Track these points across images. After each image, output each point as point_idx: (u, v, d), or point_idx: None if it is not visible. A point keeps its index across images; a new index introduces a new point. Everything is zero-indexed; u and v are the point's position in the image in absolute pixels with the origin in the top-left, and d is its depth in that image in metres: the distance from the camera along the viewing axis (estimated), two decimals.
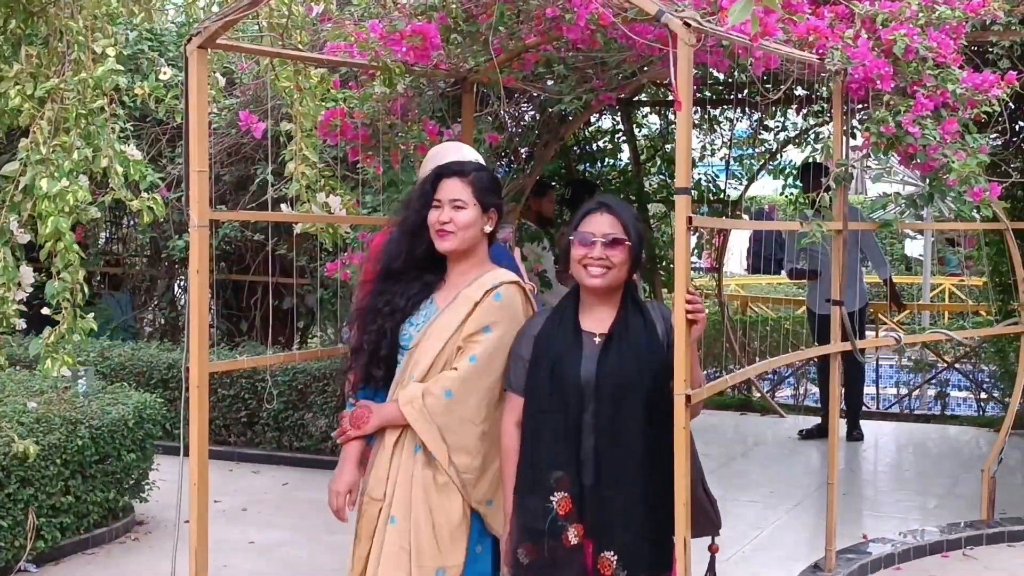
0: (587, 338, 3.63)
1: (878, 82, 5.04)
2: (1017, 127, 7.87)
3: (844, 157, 5.47)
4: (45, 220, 4.80)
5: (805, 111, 10.09)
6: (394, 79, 4.97)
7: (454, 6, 4.56)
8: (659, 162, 11.85)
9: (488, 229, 3.79)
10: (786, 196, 12.72)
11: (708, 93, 10.56)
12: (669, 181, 11.62)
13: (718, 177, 12.35)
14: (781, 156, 12.09)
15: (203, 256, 4.19)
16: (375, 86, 5.18)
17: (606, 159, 11.62)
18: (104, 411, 6.49)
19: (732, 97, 10.74)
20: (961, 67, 5.32)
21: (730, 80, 9.54)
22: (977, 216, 6.51)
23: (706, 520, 3.88)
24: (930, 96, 5.14)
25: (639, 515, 3.53)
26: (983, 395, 11.39)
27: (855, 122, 5.91)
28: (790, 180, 12.00)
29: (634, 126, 11.45)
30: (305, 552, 6.50)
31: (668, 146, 11.75)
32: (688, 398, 3.59)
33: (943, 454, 9.68)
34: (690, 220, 3.67)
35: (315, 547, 6.55)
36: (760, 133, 11.88)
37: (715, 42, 4.30)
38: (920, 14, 5.30)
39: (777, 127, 11.67)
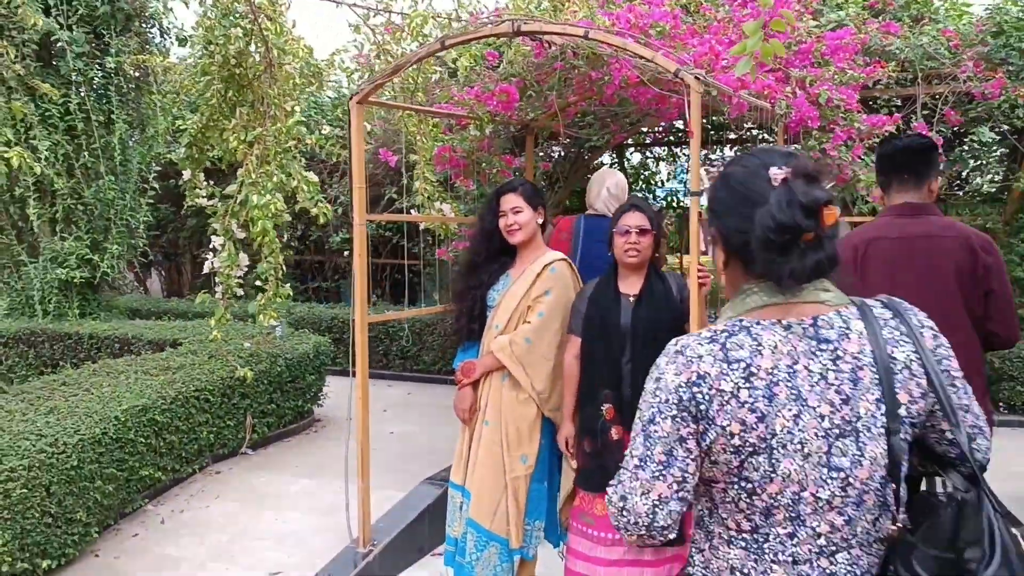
0: (624, 298, 3.41)
1: (809, 122, 4.67)
2: None
3: None
4: (256, 223, 4.55)
5: (736, 148, 9.83)
6: (483, 126, 4.67)
7: (527, 75, 4.21)
8: (640, 183, 11.54)
9: (540, 221, 3.61)
10: None
11: (671, 138, 10.27)
12: (647, 195, 11.37)
13: (679, 192, 12.05)
14: None
15: (362, 245, 3.88)
16: (470, 130, 4.86)
17: None
18: (294, 348, 6.22)
19: (687, 140, 10.47)
20: (859, 112, 4.96)
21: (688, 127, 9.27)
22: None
23: None
24: (844, 131, 4.78)
25: None
26: None
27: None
28: None
29: (624, 160, 11.04)
30: (426, 438, 6.22)
31: (645, 172, 11.50)
32: None
33: None
34: (700, 215, 3.32)
35: (432, 435, 6.29)
36: (705, 163, 11.57)
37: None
38: (836, 76, 4.93)
39: (717, 159, 11.35)
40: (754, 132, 8.96)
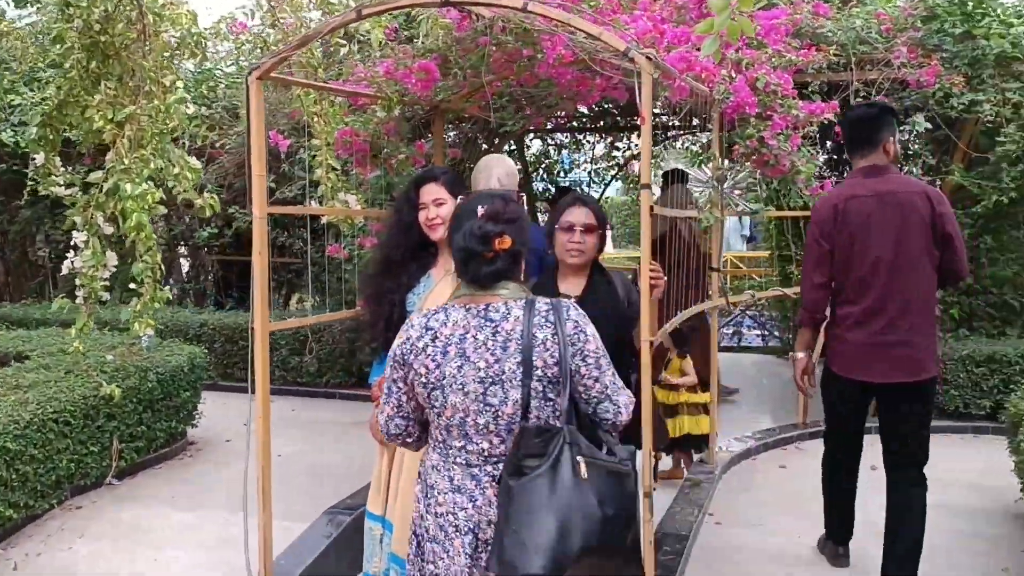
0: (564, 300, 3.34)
1: (747, 108, 4.74)
2: (827, 144, 7.60)
3: (721, 164, 5.14)
4: (129, 216, 4.31)
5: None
6: (391, 107, 4.56)
7: (448, 51, 4.14)
8: (542, 172, 11.56)
9: None
10: (630, 197, 12.46)
11: (575, 124, 10.30)
12: (549, 187, 11.34)
13: (584, 182, 12.12)
14: (627, 168, 11.84)
15: (263, 242, 3.66)
16: (376, 112, 4.73)
17: None
18: (166, 360, 5.93)
19: (593, 126, 10.56)
20: (794, 98, 5.07)
21: (595, 112, 9.30)
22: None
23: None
24: (781, 118, 4.88)
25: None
26: (766, 332, 11.24)
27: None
28: (632, 185, 11.75)
29: (524, 146, 10.98)
30: (318, 458, 6.09)
31: (547, 160, 11.55)
32: (651, 342, 3.30)
33: (750, 375, 9.27)
34: (652, 209, 3.33)
35: (324, 453, 6.18)
36: (613, 152, 11.65)
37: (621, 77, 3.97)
38: (773, 59, 5.05)
39: (624, 148, 11.45)
40: (664, 119, 9.04)
